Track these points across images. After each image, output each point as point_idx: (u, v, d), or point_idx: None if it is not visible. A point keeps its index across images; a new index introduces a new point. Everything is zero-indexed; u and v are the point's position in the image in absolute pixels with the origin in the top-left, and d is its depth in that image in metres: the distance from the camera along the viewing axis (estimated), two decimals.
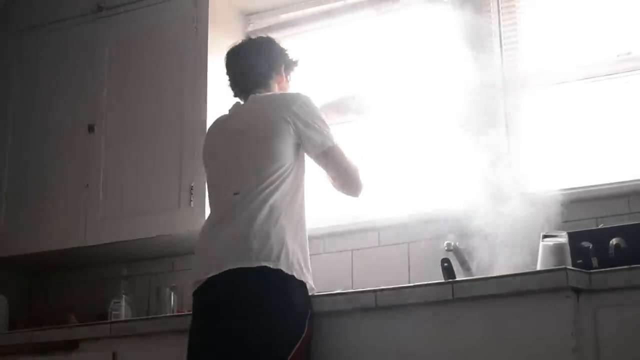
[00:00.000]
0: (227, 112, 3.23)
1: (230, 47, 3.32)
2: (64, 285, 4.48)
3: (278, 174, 2.96)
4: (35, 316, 4.34)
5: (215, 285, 2.87)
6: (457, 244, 3.37)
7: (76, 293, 4.41)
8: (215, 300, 2.87)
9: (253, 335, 2.77)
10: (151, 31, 4.23)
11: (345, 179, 3.12)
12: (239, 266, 2.83)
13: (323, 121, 3.07)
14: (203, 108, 3.98)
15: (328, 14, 4.26)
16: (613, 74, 3.65)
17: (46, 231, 4.18)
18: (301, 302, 2.89)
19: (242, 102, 3.22)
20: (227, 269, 2.85)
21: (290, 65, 3.33)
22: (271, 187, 2.94)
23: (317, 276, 3.64)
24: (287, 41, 4.37)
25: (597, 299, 2.64)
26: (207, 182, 3.21)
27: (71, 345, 3.56)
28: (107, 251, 4.14)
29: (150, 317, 3.75)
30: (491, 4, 3.86)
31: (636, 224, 3.07)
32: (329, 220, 3.89)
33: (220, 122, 3.26)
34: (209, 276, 2.89)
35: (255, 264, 2.82)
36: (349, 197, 3.19)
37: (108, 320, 3.81)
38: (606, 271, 2.69)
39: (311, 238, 3.76)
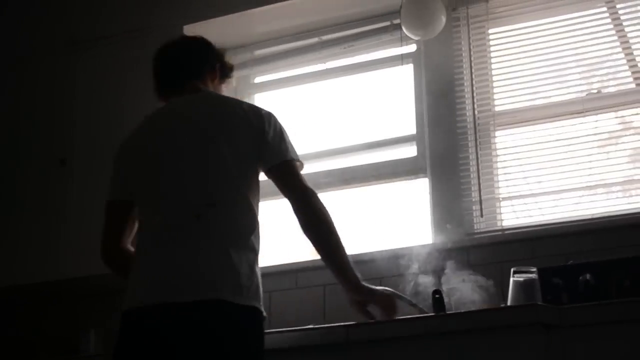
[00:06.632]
0: (159, 109, 2.94)
1: (161, 46, 3.10)
2: (34, 319, 4.43)
3: (252, 182, 2.69)
4: (3, 350, 4.30)
5: (189, 312, 2.48)
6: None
7: (46, 327, 4.36)
8: (186, 328, 2.48)
9: None
10: (124, 65, 4.23)
11: (294, 199, 2.72)
12: (227, 299, 2.48)
13: (290, 138, 2.78)
14: None
15: (303, 50, 4.29)
16: (582, 112, 3.70)
17: (19, 264, 4.14)
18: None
19: (177, 97, 2.91)
20: (210, 298, 2.47)
21: (226, 68, 3.05)
22: (246, 201, 2.63)
23: (290, 311, 3.65)
24: (261, 77, 4.43)
25: (567, 334, 2.66)
26: (144, 189, 2.76)
27: None
28: (80, 284, 4.10)
29: None
30: (462, 43, 3.90)
31: (605, 260, 3.09)
32: (302, 254, 3.89)
33: (158, 117, 2.90)
34: (179, 300, 2.49)
35: (247, 302, 2.52)
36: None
37: (78, 354, 3.79)
38: (576, 307, 2.72)
39: (283, 272, 3.79)
